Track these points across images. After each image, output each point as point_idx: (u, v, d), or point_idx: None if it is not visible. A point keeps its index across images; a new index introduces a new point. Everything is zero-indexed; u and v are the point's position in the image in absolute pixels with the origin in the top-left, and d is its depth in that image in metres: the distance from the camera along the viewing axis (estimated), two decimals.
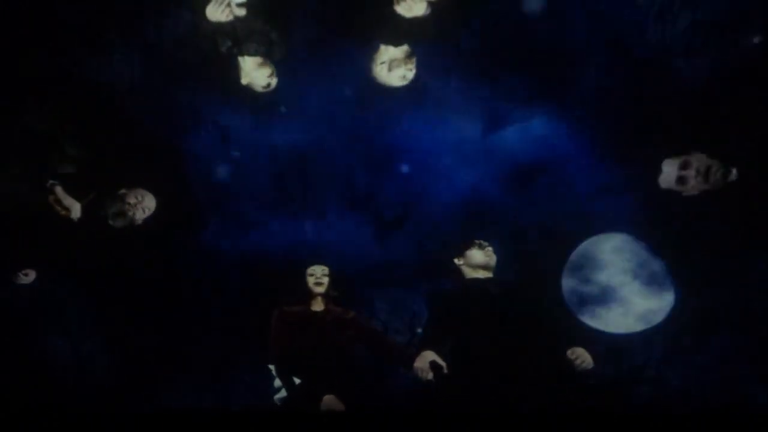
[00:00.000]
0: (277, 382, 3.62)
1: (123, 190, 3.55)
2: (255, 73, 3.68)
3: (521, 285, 3.54)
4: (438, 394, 3.21)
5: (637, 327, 3.95)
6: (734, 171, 3.16)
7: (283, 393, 3.58)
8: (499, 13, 3.73)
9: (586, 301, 4.01)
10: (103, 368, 3.54)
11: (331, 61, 3.89)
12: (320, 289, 3.72)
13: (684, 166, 3.19)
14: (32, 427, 2.67)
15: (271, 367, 3.62)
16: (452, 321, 3.33)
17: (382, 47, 3.68)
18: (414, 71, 3.72)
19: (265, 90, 3.71)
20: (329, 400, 3.48)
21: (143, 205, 3.54)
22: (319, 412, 3.44)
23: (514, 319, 3.28)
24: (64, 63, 3.60)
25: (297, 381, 3.58)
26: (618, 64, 3.77)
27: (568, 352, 3.22)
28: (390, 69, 3.67)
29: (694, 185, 3.18)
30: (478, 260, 3.51)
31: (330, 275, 3.72)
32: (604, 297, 4.00)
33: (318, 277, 3.73)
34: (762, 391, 3.56)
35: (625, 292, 3.96)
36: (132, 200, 3.52)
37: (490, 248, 3.53)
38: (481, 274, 3.51)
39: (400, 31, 3.56)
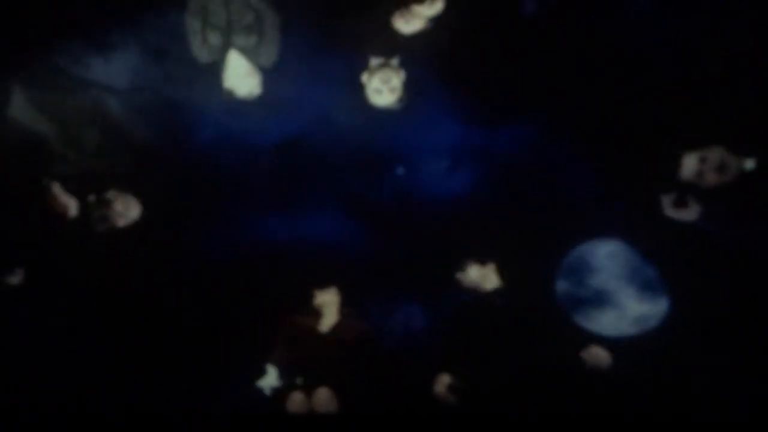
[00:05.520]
0: (272, 380, 3.67)
1: (112, 194, 3.60)
2: (239, 80, 3.69)
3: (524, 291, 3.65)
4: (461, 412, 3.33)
5: (631, 331, 3.94)
6: (749, 162, 3.29)
7: (272, 382, 3.63)
8: (494, 17, 3.71)
9: (580, 303, 4.00)
10: (95, 370, 3.57)
11: (324, 60, 3.89)
12: (320, 300, 3.79)
13: (702, 160, 3.31)
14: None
15: (271, 367, 3.68)
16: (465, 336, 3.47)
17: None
18: (394, 94, 3.72)
19: (246, 98, 3.72)
20: (323, 393, 3.55)
21: (127, 214, 3.60)
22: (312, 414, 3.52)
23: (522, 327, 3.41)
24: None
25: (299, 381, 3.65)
26: (613, 67, 3.76)
27: (584, 353, 3.34)
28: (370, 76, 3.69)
29: (711, 179, 3.34)
30: (474, 278, 3.76)
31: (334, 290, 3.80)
32: (599, 300, 3.99)
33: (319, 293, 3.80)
34: (753, 399, 3.54)
35: (619, 296, 3.95)
36: (118, 208, 3.58)
37: (473, 265, 3.70)
38: (490, 285, 3.77)
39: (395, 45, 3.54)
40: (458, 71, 3.85)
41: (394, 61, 3.72)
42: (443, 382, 3.49)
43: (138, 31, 3.86)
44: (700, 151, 3.30)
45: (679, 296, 3.83)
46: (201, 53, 3.73)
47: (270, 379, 3.68)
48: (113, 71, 3.85)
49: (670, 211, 3.45)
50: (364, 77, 3.72)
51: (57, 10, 3.71)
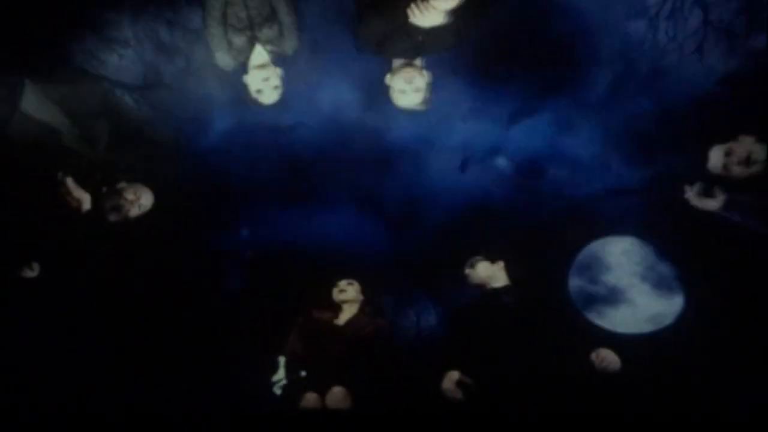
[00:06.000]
0: (280, 374, 3.67)
1: (123, 184, 3.57)
2: (253, 72, 3.65)
3: (532, 290, 3.63)
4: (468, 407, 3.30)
5: (646, 328, 3.91)
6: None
7: (284, 381, 3.63)
8: (509, 12, 3.67)
9: (594, 300, 3.98)
10: (104, 367, 3.56)
11: (340, 59, 3.88)
12: (343, 297, 3.79)
13: (728, 153, 3.24)
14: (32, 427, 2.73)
15: (281, 359, 3.67)
16: (472, 334, 3.43)
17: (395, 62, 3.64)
18: (419, 95, 3.63)
19: (266, 92, 3.68)
20: (337, 392, 3.53)
21: (139, 202, 3.57)
22: (322, 411, 3.51)
23: (530, 326, 3.46)
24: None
25: (303, 373, 3.63)
26: (630, 63, 3.74)
27: (592, 355, 3.30)
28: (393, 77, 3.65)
29: (738, 172, 3.26)
30: (483, 275, 3.66)
31: (357, 287, 3.84)
32: (612, 297, 3.96)
33: (341, 287, 3.78)
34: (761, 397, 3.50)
35: (633, 294, 3.93)
36: (129, 196, 3.54)
37: (482, 262, 3.69)
38: (498, 283, 3.73)
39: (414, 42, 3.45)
40: (472, 66, 3.82)
41: (418, 62, 3.63)
42: (451, 378, 3.44)
43: (151, 27, 3.86)
44: (726, 144, 3.25)
45: (694, 294, 3.80)
46: (225, 61, 3.71)
47: (280, 373, 3.67)
48: (126, 67, 3.85)
49: (696, 201, 3.39)
50: (387, 78, 3.64)
51: (71, 6, 3.71)
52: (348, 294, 3.84)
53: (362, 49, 3.65)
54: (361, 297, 3.88)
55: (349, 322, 3.79)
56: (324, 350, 3.68)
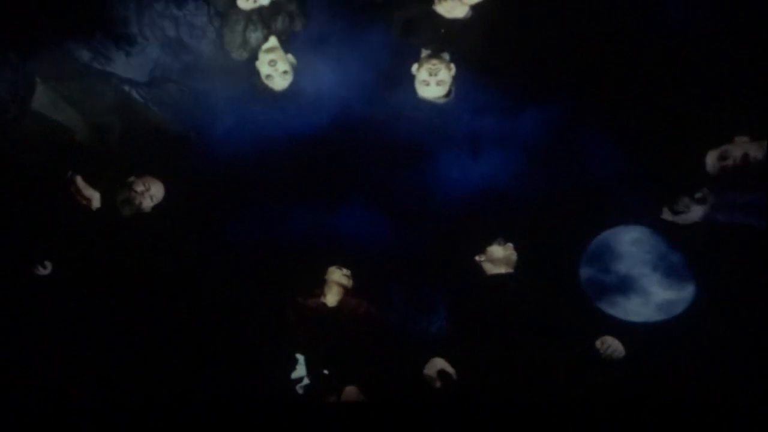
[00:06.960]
0: (299, 372, 3.68)
1: (132, 178, 3.59)
2: (262, 56, 3.62)
3: (539, 278, 3.61)
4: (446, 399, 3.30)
5: (657, 317, 3.91)
6: None
7: (306, 381, 3.64)
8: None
9: (605, 289, 3.98)
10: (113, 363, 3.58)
11: (351, 49, 3.87)
12: (347, 283, 3.81)
13: (723, 157, 3.22)
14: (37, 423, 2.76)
15: (300, 357, 3.68)
16: (473, 319, 3.43)
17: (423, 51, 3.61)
18: (442, 87, 3.58)
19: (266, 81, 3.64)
20: (350, 391, 3.55)
21: (150, 193, 3.58)
22: (338, 403, 3.52)
23: (533, 313, 3.37)
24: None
25: (325, 372, 3.65)
26: (640, 52, 3.72)
27: (597, 342, 3.31)
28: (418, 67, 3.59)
29: (736, 171, 3.26)
30: (499, 255, 3.62)
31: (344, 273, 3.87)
32: (624, 286, 3.96)
33: (345, 272, 3.82)
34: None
35: (644, 283, 3.92)
36: (139, 188, 3.55)
37: (510, 245, 3.62)
38: (503, 270, 3.72)
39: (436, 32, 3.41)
40: (481, 58, 3.80)
41: (446, 54, 3.59)
42: (434, 365, 3.43)
43: (157, 24, 3.86)
44: (720, 148, 3.23)
45: (705, 283, 3.80)
46: (241, 55, 3.70)
47: (300, 371, 3.68)
48: (134, 64, 3.86)
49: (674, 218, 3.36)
50: (414, 68, 3.60)
51: (78, 4, 3.72)
52: (350, 284, 3.86)
53: (395, 32, 3.61)
54: (343, 279, 3.90)
55: (342, 303, 3.81)
56: (328, 334, 3.70)
